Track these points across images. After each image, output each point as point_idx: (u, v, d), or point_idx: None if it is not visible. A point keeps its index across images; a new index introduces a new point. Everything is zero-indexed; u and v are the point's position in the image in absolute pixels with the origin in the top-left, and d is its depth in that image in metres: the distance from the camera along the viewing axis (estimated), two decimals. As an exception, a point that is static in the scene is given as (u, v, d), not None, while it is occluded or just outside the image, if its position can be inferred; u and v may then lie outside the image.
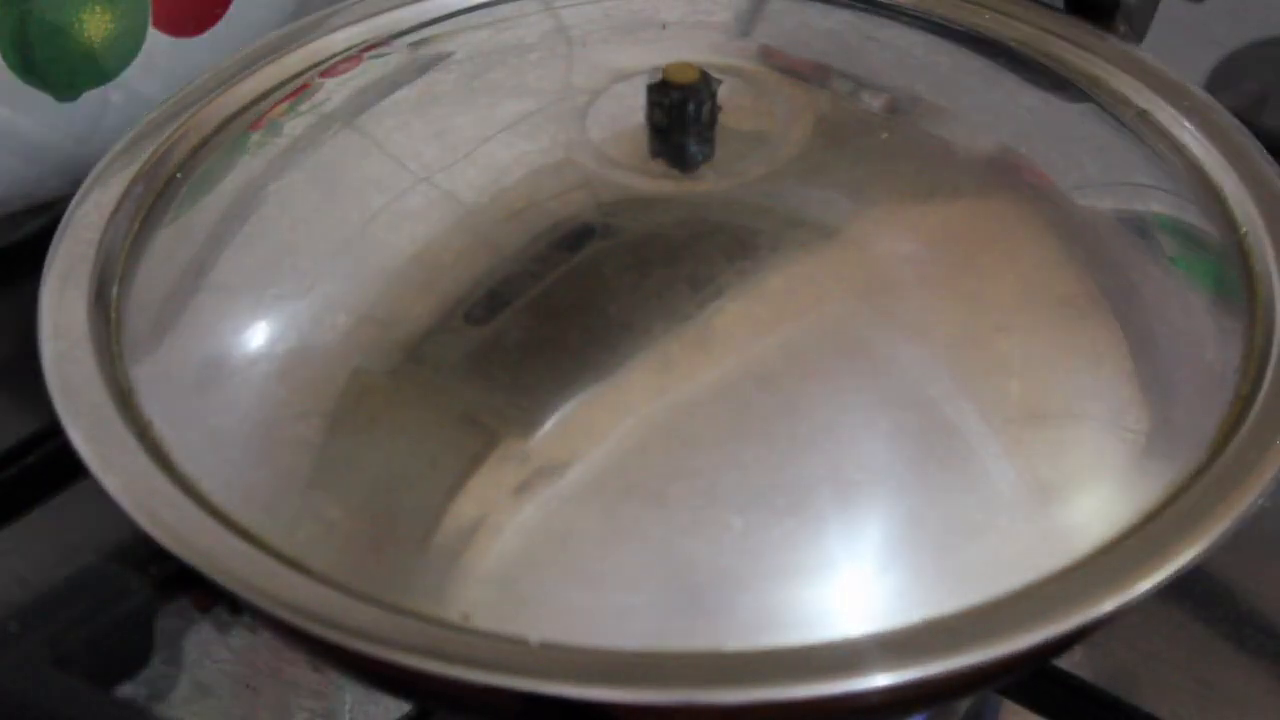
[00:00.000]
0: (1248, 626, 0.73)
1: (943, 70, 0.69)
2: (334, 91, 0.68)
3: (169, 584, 0.52)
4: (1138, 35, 0.74)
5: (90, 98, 0.82)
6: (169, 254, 0.64)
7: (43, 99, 0.80)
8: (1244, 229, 0.64)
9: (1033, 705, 0.64)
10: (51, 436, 0.72)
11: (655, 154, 0.61)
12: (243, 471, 0.57)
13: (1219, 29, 0.91)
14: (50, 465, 0.72)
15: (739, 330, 0.57)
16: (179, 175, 0.68)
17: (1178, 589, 0.73)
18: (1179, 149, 0.67)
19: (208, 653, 0.72)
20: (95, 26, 0.78)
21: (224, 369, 0.59)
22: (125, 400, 0.60)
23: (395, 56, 0.70)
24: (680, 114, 0.60)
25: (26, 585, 0.76)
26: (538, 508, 0.54)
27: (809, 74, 0.67)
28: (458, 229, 0.60)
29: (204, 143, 0.69)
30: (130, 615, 0.50)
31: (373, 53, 0.71)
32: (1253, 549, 0.75)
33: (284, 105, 0.69)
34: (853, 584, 0.52)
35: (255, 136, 0.68)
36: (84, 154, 0.77)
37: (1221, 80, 0.92)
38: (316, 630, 0.51)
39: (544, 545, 0.53)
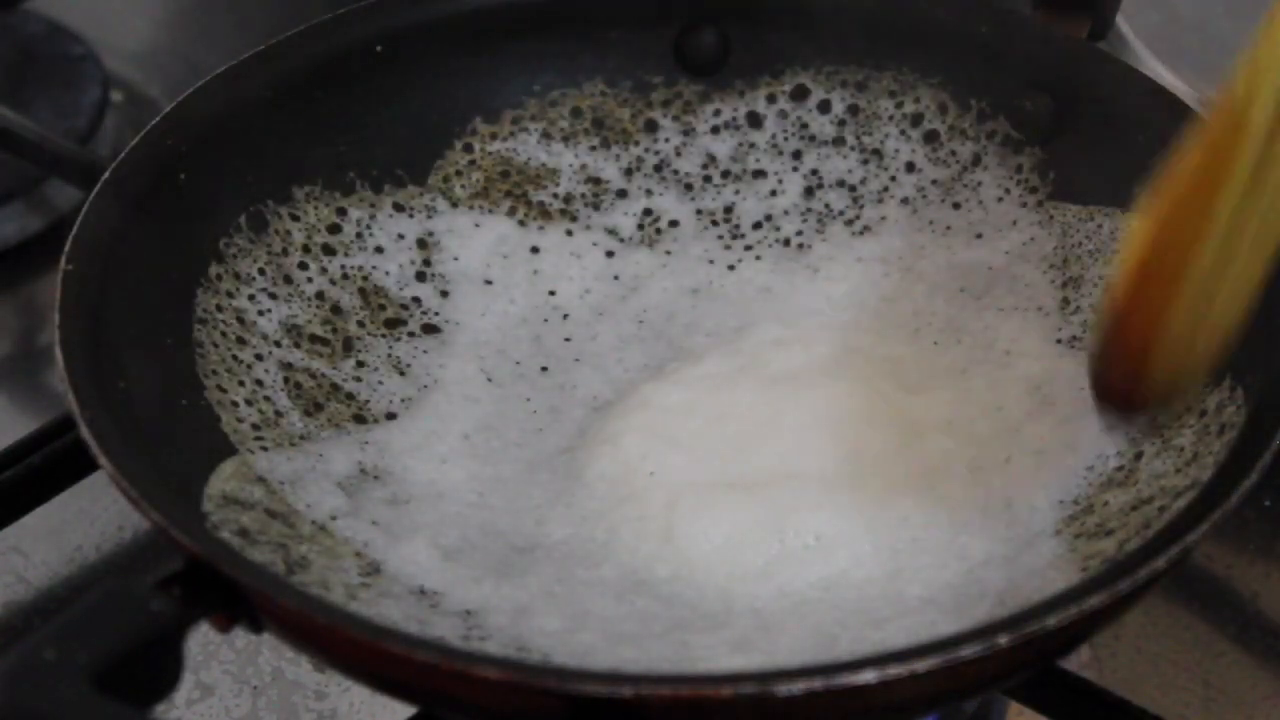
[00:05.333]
0: (1253, 628, 0.73)
1: None
2: None
3: (195, 604, 0.52)
4: (1102, 31, 0.74)
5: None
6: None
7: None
8: None
9: (1039, 706, 0.64)
10: (52, 437, 0.72)
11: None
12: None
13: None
14: (51, 465, 0.72)
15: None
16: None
17: (1184, 591, 0.73)
18: None
19: (211, 653, 0.72)
20: None
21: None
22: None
23: None
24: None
25: (27, 585, 0.76)
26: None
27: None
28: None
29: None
30: (161, 637, 0.50)
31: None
32: (1258, 552, 0.75)
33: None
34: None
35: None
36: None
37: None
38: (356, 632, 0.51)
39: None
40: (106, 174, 0.66)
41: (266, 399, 0.66)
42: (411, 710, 0.64)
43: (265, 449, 0.64)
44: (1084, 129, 0.72)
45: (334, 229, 0.71)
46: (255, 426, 0.65)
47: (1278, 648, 0.72)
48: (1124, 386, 0.61)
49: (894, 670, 0.50)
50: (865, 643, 0.58)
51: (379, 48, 0.73)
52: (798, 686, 0.49)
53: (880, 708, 0.52)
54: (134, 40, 1.01)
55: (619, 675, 0.51)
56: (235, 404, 0.65)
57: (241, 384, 0.65)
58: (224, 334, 0.66)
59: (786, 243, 0.74)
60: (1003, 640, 0.50)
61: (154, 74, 0.97)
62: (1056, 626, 0.51)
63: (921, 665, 0.50)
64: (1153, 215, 0.55)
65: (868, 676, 0.49)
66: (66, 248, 0.62)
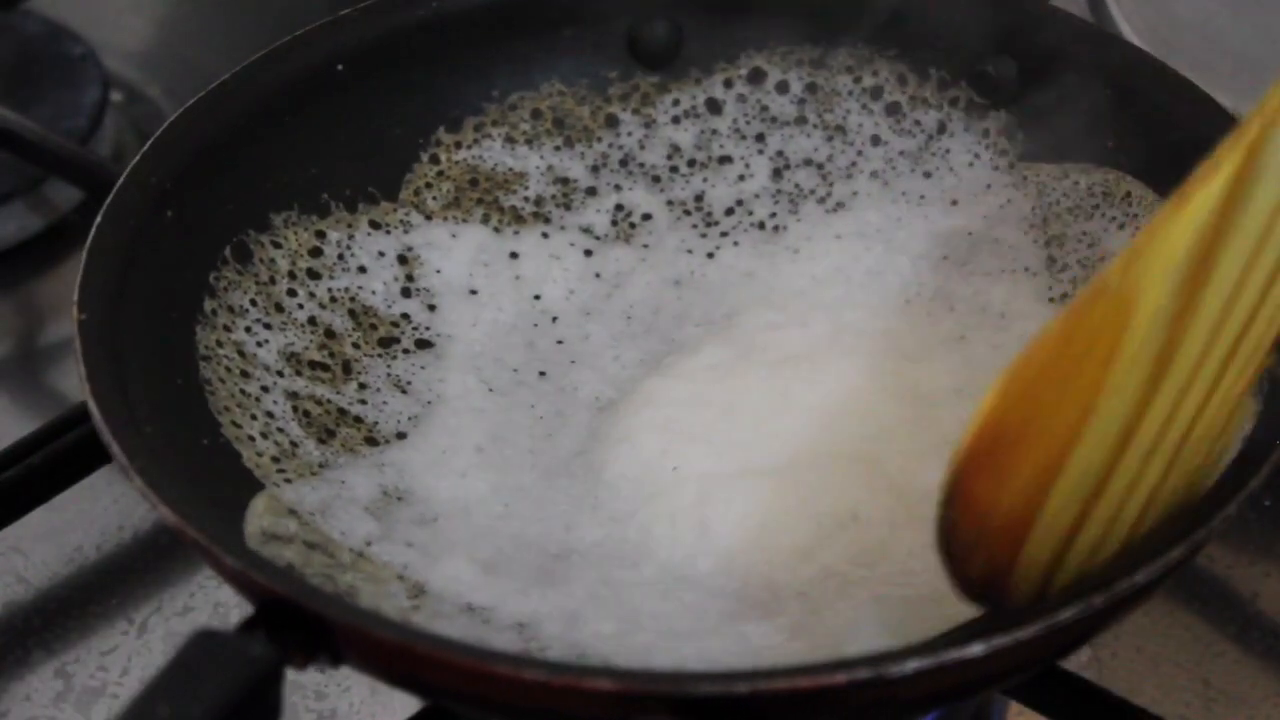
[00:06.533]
0: (1253, 629, 0.73)
1: None
2: None
3: (283, 644, 0.51)
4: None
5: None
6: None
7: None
8: None
9: (1039, 706, 0.65)
10: (52, 437, 0.71)
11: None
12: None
13: None
14: (50, 465, 0.71)
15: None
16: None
17: (1184, 591, 0.74)
18: None
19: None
20: None
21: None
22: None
23: None
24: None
25: (27, 585, 0.74)
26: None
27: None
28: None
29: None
30: (262, 680, 0.50)
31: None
32: (1258, 552, 0.76)
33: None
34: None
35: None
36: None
37: None
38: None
39: None
40: (99, 218, 0.64)
41: (280, 430, 0.65)
42: (411, 710, 0.64)
43: (289, 481, 0.63)
44: (1047, 88, 0.72)
45: (315, 252, 0.71)
46: (275, 459, 0.64)
47: (1278, 648, 0.73)
48: (983, 575, 0.53)
49: (1000, 641, 0.50)
50: (919, 618, 0.59)
51: (340, 66, 0.73)
52: (909, 666, 0.50)
53: (981, 679, 0.53)
54: (134, 40, 1.00)
55: (733, 674, 0.51)
56: (251, 438, 0.64)
57: (254, 418, 0.65)
58: (228, 369, 0.65)
59: (761, 226, 0.75)
60: (1098, 601, 0.51)
61: (154, 74, 0.97)
62: (1145, 582, 0.52)
63: (1025, 633, 0.50)
64: (1006, 394, 0.49)
65: (976, 650, 0.50)
66: (76, 295, 0.61)
